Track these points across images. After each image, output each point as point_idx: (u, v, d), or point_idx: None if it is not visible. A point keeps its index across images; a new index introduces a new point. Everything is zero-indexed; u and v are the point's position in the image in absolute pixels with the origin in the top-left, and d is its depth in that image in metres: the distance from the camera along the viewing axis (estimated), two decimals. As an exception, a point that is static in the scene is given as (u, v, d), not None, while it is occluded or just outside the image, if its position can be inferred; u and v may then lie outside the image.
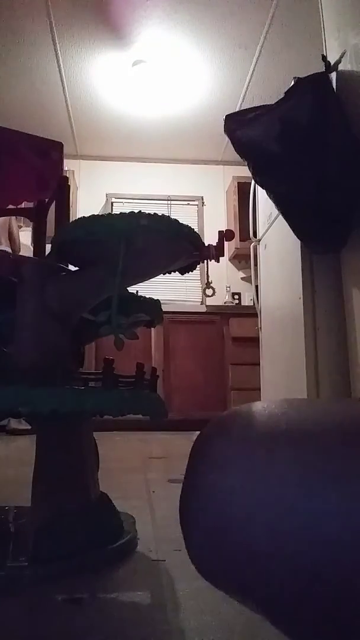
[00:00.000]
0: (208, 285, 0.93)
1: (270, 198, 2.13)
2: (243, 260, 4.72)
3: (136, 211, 0.77)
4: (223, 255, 0.86)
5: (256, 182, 2.29)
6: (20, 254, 3.38)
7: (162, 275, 0.93)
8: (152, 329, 3.54)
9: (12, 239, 3.54)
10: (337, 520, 0.33)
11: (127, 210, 0.78)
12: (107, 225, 0.77)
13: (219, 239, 0.86)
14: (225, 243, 0.87)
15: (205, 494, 0.38)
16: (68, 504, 0.81)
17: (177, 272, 0.94)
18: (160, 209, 4.72)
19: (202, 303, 4.64)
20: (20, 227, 3.97)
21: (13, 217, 3.43)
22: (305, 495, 0.34)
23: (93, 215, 0.79)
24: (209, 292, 0.93)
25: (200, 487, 0.39)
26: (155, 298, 1.03)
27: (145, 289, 1.20)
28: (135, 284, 0.90)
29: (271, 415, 0.43)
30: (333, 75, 2.01)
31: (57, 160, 1.11)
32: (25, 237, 3.83)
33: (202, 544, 0.38)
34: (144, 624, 0.59)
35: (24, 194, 1.16)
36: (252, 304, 3.73)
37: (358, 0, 1.92)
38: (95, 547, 0.80)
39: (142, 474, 1.67)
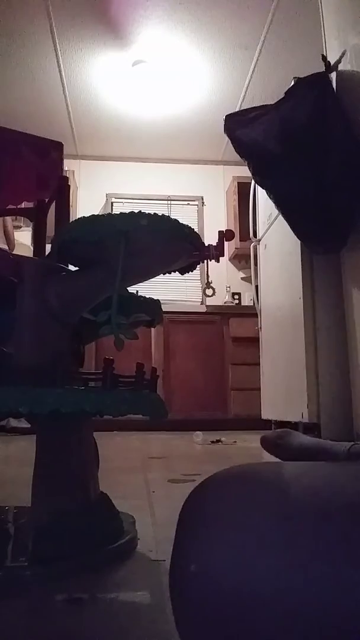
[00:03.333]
0: (208, 285, 0.93)
1: (270, 198, 2.13)
2: (243, 260, 4.72)
3: (136, 211, 0.77)
4: (223, 255, 0.86)
5: (256, 182, 2.29)
6: (20, 253, 3.37)
7: (162, 275, 0.93)
8: (152, 329, 3.54)
9: (7, 237, 3.53)
10: (338, 599, 0.31)
11: (127, 210, 0.78)
12: (107, 225, 0.77)
13: (219, 239, 0.86)
14: (225, 243, 0.87)
15: (195, 568, 0.36)
16: (68, 504, 0.81)
17: (177, 272, 0.94)
18: (160, 209, 4.72)
19: (202, 303, 4.64)
20: (19, 226, 3.96)
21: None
22: (301, 573, 0.32)
23: (93, 215, 0.79)
24: (209, 292, 0.93)
25: (189, 565, 0.36)
26: (155, 298, 1.03)
27: (145, 289, 1.20)
28: (135, 284, 0.89)
29: (262, 483, 0.41)
30: (333, 75, 2.01)
31: (57, 160, 1.11)
32: (25, 237, 3.83)
33: (193, 622, 0.36)
34: (144, 624, 0.59)
35: (24, 194, 1.16)
36: (252, 304, 3.73)
37: (358, 0, 1.92)
38: (95, 547, 0.80)
39: (142, 474, 1.67)
